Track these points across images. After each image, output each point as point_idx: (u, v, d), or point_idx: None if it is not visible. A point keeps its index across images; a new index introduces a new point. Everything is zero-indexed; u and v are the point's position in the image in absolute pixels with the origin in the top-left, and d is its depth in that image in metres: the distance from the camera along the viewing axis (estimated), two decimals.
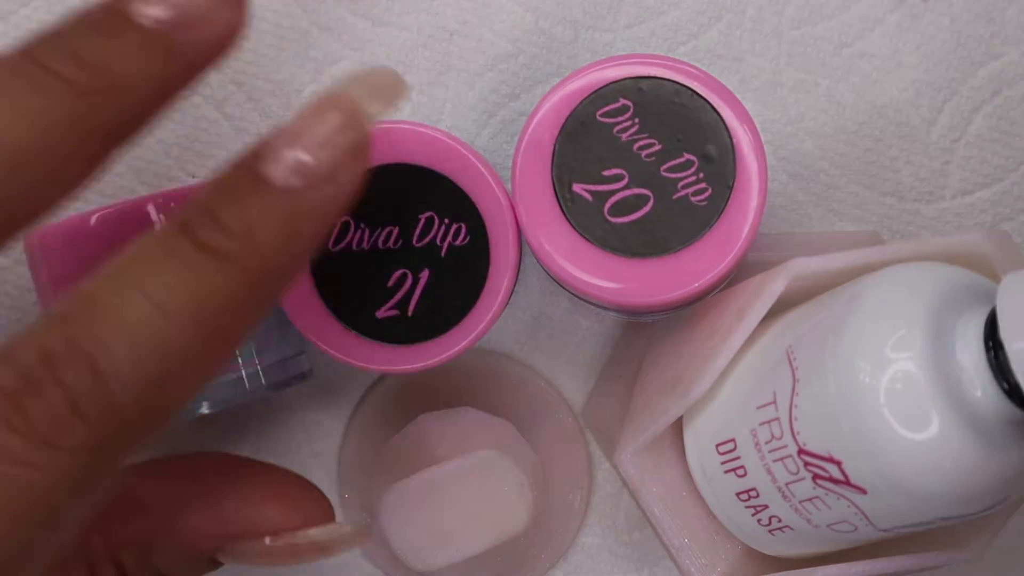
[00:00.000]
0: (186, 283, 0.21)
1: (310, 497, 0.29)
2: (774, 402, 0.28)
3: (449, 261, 0.31)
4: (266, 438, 0.39)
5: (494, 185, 0.31)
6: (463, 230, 0.31)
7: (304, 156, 0.22)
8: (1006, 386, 0.25)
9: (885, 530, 0.28)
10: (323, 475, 0.39)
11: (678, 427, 0.33)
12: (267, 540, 0.28)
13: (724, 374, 0.30)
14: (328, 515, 0.29)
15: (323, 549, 0.28)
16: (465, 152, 0.31)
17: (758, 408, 0.29)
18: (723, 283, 0.31)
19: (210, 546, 0.28)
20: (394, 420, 0.38)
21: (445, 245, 0.31)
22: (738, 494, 0.31)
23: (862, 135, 0.38)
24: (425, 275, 0.31)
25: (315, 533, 0.28)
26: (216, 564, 0.28)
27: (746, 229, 0.30)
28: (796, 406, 0.28)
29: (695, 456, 0.32)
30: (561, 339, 0.39)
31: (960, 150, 0.38)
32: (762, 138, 0.30)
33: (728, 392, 0.31)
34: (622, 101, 0.30)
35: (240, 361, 0.33)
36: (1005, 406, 0.25)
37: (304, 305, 0.31)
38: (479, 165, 0.31)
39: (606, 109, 0.30)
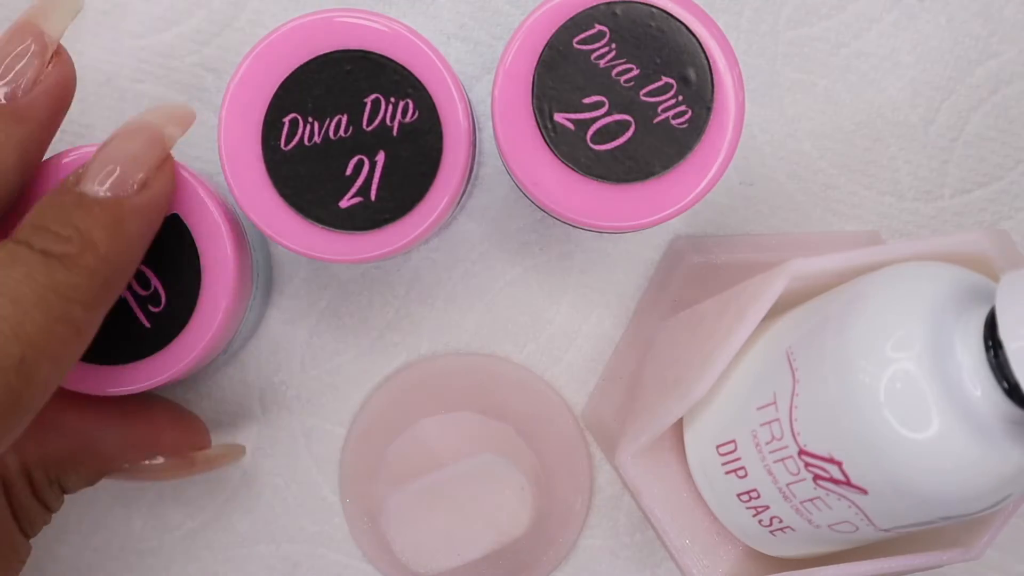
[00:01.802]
0: (33, 279, 0.25)
1: (197, 426, 0.36)
2: (774, 403, 0.28)
3: (402, 139, 0.31)
4: (267, 442, 0.39)
5: (432, 55, 0.31)
6: (411, 106, 0.31)
7: (117, 172, 0.28)
8: (1006, 385, 0.25)
9: (886, 530, 0.28)
10: (324, 480, 0.39)
11: (679, 428, 0.33)
12: (161, 459, 0.34)
13: (724, 375, 0.30)
14: (208, 441, 0.36)
15: (209, 462, 0.35)
16: (398, 28, 0.31)
17: (758, 409, 0.29)
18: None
19: (117, 465, 0.33)
20: (395, 425, 0.38)
21: (396, 124, 0.31)
22: (739, 495, 0.31)
23: (860, 135, 0.38)
24: (381, 157, 0.31)
25: (205, 452, 0.35)
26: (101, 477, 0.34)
27: (724, 149, 0.31)
28: (796, 407, 0.28)
29: (696, 457, 0.32)
30: (561, 341, 0.39)
31: (958, 149, 0.38)
32: (736, 56, 0.31)
33: (728, 393, 0.31)
34: (597, 27, 0.30)
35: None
36: (1005, 405, 0.25)
37: (268, 208, 0.31)
38: (413, 38, 0.31)
39: (582, 36, 0.30)
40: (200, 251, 0.31)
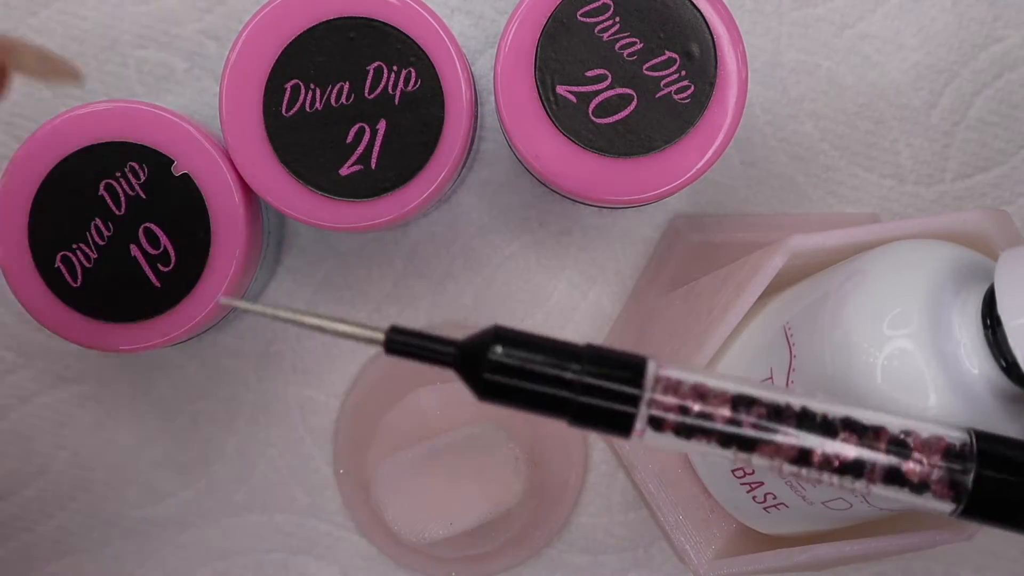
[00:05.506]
0: None
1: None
2: (771, 378, 0.28)
3: (404, 108, 0.31)
4: (262, 413, 0.39)
5: (435, 24, 0.31)
6: (413, 74, 0.31)
7: None
8: (1004, 363, 0.25)
9: (880, 508, 0.28)
10: (318, 451, 0.39)
11: None
12: None
13: (721, 350, 0.30)
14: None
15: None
16: None
17: None
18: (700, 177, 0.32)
19: None
20: (390, 395, 0.38)
21: (398, 92, 0.31)
22: (733, 471, 0.31)
23: (862, 117, 0.38)
24: (383, 126, 0.31)
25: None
26: None
27: (726, 124, 0.31)
28: (793, 382, 0.28)
29: None
30: (558, 317, 0.39)
31: (960, 133, 0.38)
32: (741, 32, 0.31)
33: (725, 368, 0.31)
34: (601, 0, 0.31)
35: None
36: (1003, 383, 0.25)
37: (267, 174, 0.31)
38: (417, 7, 0.31)
39: (587, 9, 0.31)
40: (210, 211, 0.31)
